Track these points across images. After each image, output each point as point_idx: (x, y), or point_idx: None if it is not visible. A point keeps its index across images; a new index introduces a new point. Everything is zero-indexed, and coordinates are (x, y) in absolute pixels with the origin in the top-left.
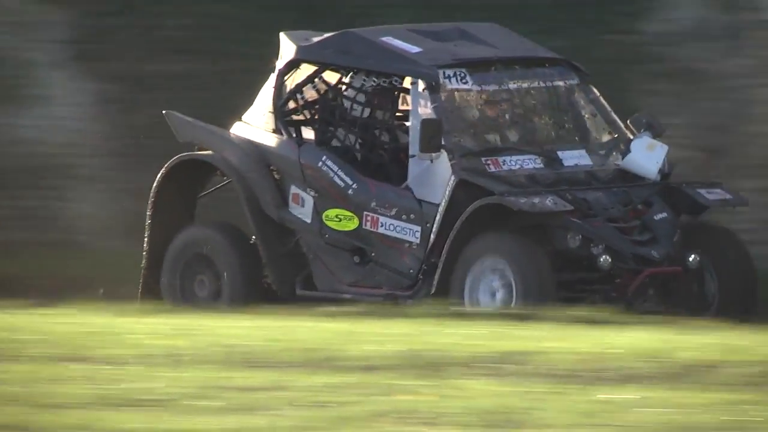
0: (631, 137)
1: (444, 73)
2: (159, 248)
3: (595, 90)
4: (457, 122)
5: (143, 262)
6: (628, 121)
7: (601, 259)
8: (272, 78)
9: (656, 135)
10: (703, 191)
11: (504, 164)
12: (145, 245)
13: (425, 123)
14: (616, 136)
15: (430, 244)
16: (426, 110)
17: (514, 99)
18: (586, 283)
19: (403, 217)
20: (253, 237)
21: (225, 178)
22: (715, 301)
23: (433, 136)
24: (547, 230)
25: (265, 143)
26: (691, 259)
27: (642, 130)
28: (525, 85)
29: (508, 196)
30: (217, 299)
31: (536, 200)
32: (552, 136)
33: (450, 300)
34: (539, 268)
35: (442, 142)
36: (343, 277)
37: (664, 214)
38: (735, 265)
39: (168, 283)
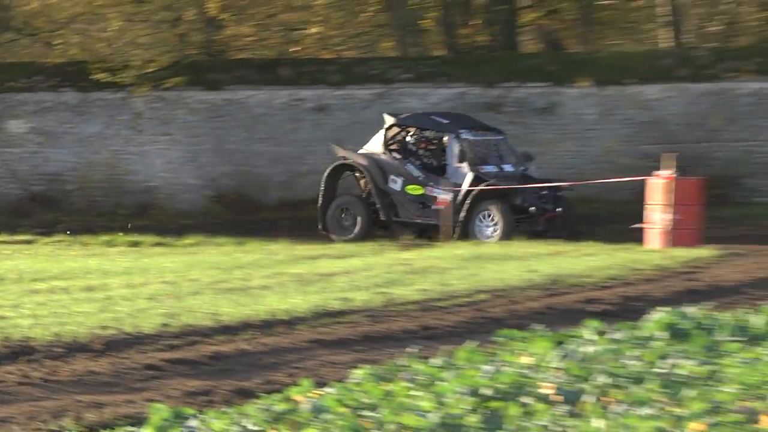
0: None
1: (461, 132)
2: (326, 204)
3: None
4: (468, 151)
5: (319, 210)
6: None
7: (531, 209)
8: (381, 131)
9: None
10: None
11: (485, 169)
12: (319, 203)
13: (460, 152)
14: (521, 159)
15: (457, 202)
16: (456, 146)
17: (488, 143)
18: (524, 220)
19: (445, 189)
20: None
21: (357, 173)
22: (566, 228)
23: (461, 156)
24: (510, 197)
25: (378, 157)
26: (559, 209)
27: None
28: (490, 137)
29: (493, 182)
30: (353, 229)
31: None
32: (501, 158)
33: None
34: (508, 213)
35: (465, 159)
36: (414, 214)
37: (552, 191)
38: (569, 213)
39: (330, 221)
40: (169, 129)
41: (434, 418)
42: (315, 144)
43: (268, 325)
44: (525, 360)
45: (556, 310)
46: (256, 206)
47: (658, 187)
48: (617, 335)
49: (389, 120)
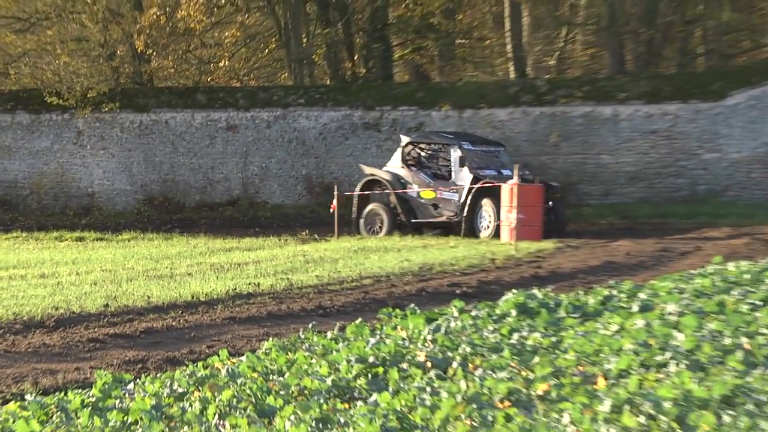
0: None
1: (462, 143)
2: (359, 211)
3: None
4: (468, 158)
5: (353, 217)
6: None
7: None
8: (398, 149)
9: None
10: (552, 183)
11: (484, 172)
12: (353, 211)
13: (460, 158)
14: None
15: (461, 202)
16: (458, 154)
17: (488, 152)
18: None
19: (452, 191)
20: (391, 204)
21: (383, 187)
22: (557, 224)
23: (461, 162)
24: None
25: (398, 172)
26: (550, 204)
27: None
28: (489, 148)
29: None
30: (381, 230)
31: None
32: (502, 165)
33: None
34: (498, 209)
35: (465, 164)
36: (428, 215)
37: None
38: (559, 211)
39: (363, 224)
40: (106, 144)
41: (329, 381)
42: (227, 157)
43: (191, 306)
44: (402, 333)
45: (427, 293)
46: (179, 208)
47: (506, 191)
48: (477, 313)
49: (405, 139)
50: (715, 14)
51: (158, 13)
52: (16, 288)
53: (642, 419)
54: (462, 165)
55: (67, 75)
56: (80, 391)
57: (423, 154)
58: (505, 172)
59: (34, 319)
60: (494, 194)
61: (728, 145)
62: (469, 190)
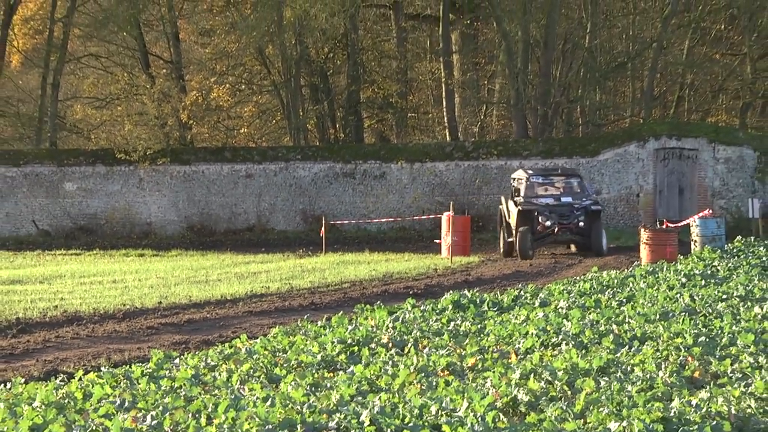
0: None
1: (533, 176)
2: (507, 236)
3: (582, 179)
4: (527, 189)
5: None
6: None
7: (547, 223)
8: (522, 185)
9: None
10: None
11: (538, 200)
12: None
13: (525, 188)
14: (586, 194)
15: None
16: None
17: (553, 183)
18: (548, 234)
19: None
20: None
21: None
22: (592, 244)
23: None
24: (539, 217)
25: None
26: (579, 222)
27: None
28: (557, 179)
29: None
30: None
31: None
32: (561, 193)
33: None
34: (525, 232)
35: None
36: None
37: (577, 211)
38: (597, 231)
39: (521, 246)
40: (160, 188)
41: (319, 357)
42: (246, 196)
43: (220, 303)
44: (371, 322)
45: (389, 293)
46: (212, 233)
47: (444, 220)
48: (424, 307)
49: (524, 175)
50: (590, 96)
51: (197, 95)
52: (94, 290)
53: (543, 384)
54: (517, 194)
55: (132, 139)
56: (140, 364)
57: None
58: (564, 198)
59: (107, 312)
60: (530, 218)
61: (601, 188)
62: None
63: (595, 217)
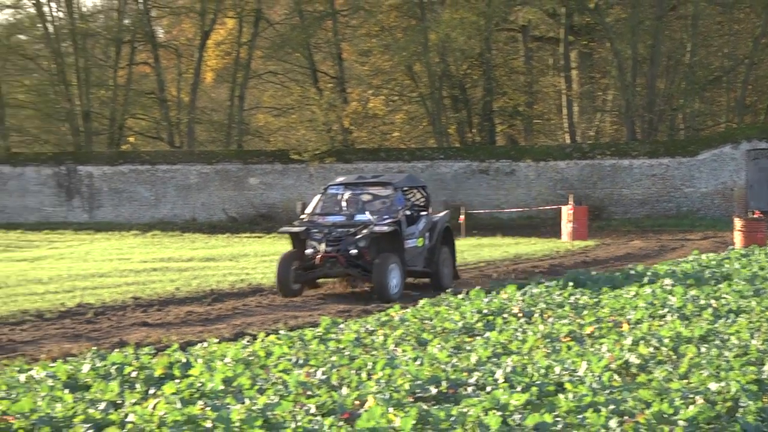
0: None
1: (332, 186)
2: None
3: (402, 189)
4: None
5: None
6: None
7: (306, 251)
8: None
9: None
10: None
11: (319, 219)
12: None
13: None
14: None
15: None
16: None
17: (361, 197)
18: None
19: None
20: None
21: None
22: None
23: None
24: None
25: None
26: (349, 250)
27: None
28: (357, 191)
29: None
30: None
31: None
32: (359, 209)
33: None
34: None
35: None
36: None
37: (350, 234)
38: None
39: None
40: (326, 182)
41: (460, 324)
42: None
43: None
44: (504, 296)
45: (518, 271)
46: None
47: (566, 210)
48: (548, 283)
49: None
50: (690, 105)
51: (357, 105)
52: (273, 267)
53: (651, 349)
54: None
55: (304, 141)
56: (312, 328)
57: None
58: (359, 217)
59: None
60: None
61: (699, 184)
62: None
63: (387, 242)
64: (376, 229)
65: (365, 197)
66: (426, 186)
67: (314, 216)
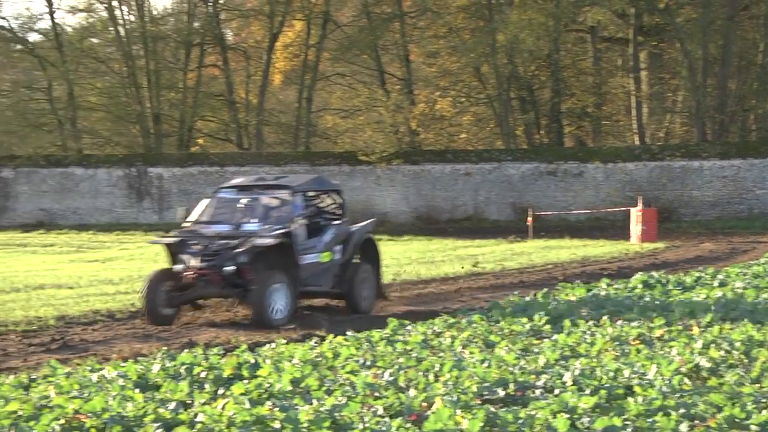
0: None
1: (223, 190)
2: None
3: (303, 193)
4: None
5: None
6: None
7: (175, 267)
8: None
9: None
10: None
11: (203, 228)
12: None
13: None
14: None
15: None
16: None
17: (255, 202)
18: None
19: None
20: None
21: None
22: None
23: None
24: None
25: None
26: (223, 268)
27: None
28: (265, 195)
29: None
30: None
31: None
32: (248, 217)
33: None
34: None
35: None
36: None
37: (228, 249)
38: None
39: None
40: (394, 184)
41: (527, 326)
42: (465, 191)
43: (444, 280)
44: (572, 297)
45: (586, 273)
46: (436, 221)
47: (635, 212)
48: (617, 286)
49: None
50: (762, 106)
51: (424, 106)
52: None
53: (722, 353)
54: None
55: (371, 143)
56: (379, 330)
57: None
58: (246, 226)
59: None
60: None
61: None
62: None
63: (276, 257)
64: (258, 242)
65: (261, 202)
66: (340, 190)
67: (198, 224)
